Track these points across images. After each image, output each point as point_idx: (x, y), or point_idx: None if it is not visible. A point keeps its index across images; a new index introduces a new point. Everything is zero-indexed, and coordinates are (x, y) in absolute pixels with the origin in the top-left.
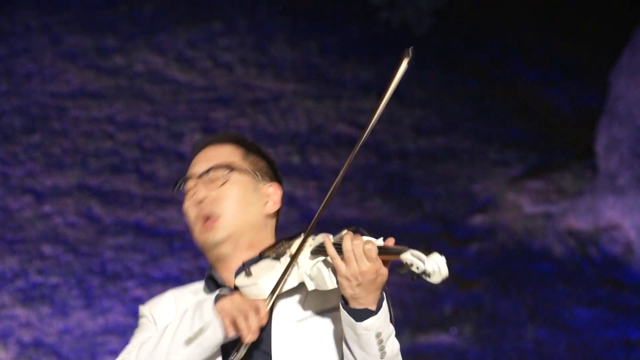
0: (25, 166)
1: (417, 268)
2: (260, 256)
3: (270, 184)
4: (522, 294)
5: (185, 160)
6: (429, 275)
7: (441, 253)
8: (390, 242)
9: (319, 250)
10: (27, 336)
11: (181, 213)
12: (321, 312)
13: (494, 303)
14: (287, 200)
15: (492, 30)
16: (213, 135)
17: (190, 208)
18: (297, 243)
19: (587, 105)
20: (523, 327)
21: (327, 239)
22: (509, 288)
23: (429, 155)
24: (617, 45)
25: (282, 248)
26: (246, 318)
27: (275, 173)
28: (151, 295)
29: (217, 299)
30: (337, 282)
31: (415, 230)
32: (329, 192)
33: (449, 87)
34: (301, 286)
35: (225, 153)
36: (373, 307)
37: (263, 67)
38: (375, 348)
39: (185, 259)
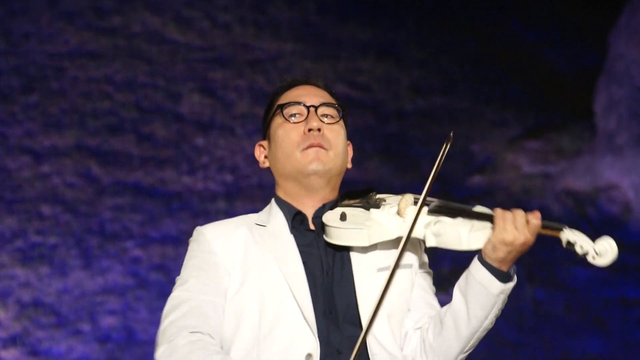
0: (24, 126)
1: (581, 247)
2: (336, 203)
3: (349, 142)
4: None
5: (184, 120)
6: (596, 256)
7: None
8: (539, 215)
9: (440, 210)
10: (26, 296)
11: (180, 173)
12: (397, 266)
13: None
14: None
15: None
16: (312, 77)
17: (295, 131)
18: (404, 199)
19: (586, 65)
20: (521, 287)
21: (486, 209)
22: None
23: (427, 116)
24: (616, 5)
25: (372, 199)
26: None
27: None
28: (150, 256)
29: None
30: (485, 243)
31: (413, 191)
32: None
33: (447, 47)
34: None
35: (330, 98)
36: (512, 272)
37: (261, 27)
38: (496, 312)
39: (184, 220)
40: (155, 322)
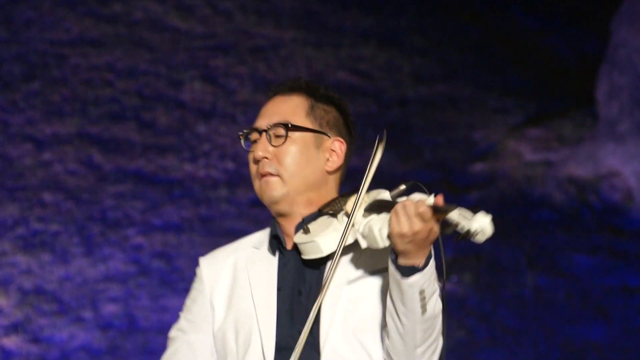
0: (25, 114)
1: (462, 228)
2: (320, 212)
3: (335, 138)
4: (521, 241)
5: (186, 108)
6: (473, 235)
7: (487, 212)
8: (440, 200)
9: (372, 208)
10: (27, 283)
11: (181, 160)
12: (372, 272)
13: (493, 251)
14: None
15: None
16: (284, 83)
17: (251, 163)
18: (352, 200)
19: (588, 52)
20: (522, 274)
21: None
22: (508, 236)
23: (429, 103)
24: None
25: (338, 205)
26: None
27: (346, 124)
28: (151, 243)
29: None
30: (389, 239)
31: (415, 179)
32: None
33: (449, 34)
34: (356, 244)
35: (290, 106)
36: (420, 264)
37: (263, 15)
38: (417, 305)
39: (185, 207)
40: (157, 310)
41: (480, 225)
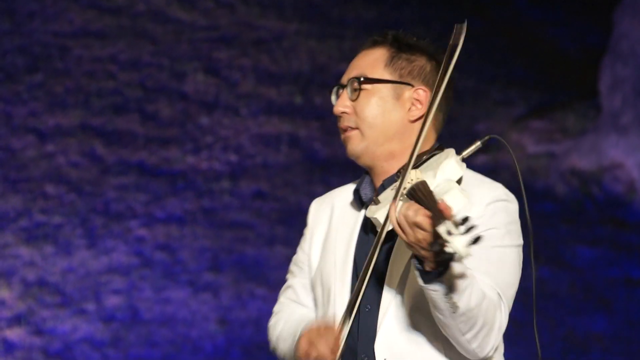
0: (28, 105)
1: (442, 245)
2: (397, 174)
3: (419, 87)
4: (524, 233)
5: (188, 100)
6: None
7: (469, 227)
8: (443, 206)
9: (412, 196)
10: (30, 275)
11: (184, 153)
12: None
13: None
14: (290, 140)
15: None
16: (372, 36)
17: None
18: (407, 174)
19: (591, 44)
20: (525, 266)
21: (392, 205)
22: None
23: None
24: None
25: (401, 172)
26: (317, 350)
27: (438, 71)
28: (154, 235)
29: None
30: None
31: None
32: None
33: (452, 26)
34: None
35: (370, 60)
36: (440, 269)
37: (265, 7)
38: (446, 306)
39: (188, 199)
40: (160, 302)
41: (455, 247)
